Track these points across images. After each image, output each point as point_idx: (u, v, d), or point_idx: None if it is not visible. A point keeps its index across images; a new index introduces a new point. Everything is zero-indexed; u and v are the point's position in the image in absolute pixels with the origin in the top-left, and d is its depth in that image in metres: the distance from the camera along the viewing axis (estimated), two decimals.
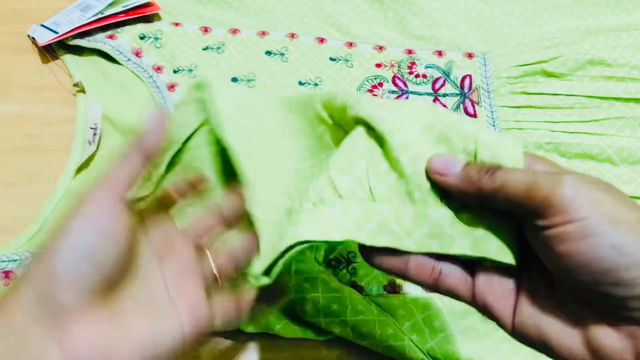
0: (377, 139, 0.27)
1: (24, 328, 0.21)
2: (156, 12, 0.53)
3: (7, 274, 0.38)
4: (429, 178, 0.26)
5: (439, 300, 0.40)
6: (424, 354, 0.37)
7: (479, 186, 0.24)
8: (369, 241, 0.26)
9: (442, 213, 0.26)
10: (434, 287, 0.26)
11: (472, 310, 0.39)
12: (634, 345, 0.21)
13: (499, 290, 0.25)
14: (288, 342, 0.39)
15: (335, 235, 0.25)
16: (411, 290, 0.42)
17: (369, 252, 0.26)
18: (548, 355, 0.24)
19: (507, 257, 0.25)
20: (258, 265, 0.26)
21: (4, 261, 0.38)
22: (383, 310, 0.39)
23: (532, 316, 0.24)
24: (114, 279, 0.25)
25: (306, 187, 0.27)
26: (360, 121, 0.28)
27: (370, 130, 0.27)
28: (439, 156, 0.26)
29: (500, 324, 0.25)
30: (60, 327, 0.22)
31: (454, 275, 0.26)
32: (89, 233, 0.23)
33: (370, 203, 0.26)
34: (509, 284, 0.25)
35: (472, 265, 0.26)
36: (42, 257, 0.23)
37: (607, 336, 0.21)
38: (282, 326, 0.39)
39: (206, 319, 0.27)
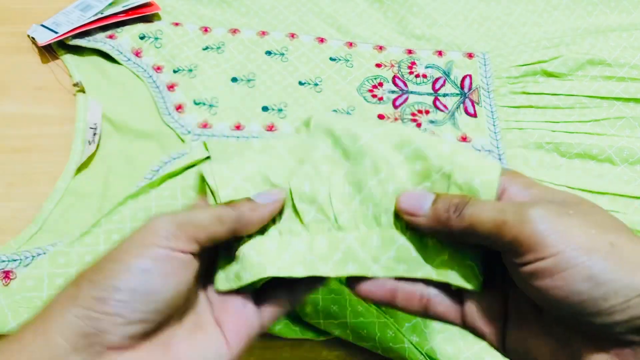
0: (344, 155, 0.28)
1: (62, 354, 0.21)
2: (156, 12, 0.53)
3: (7, 274, 0.38)
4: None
5: None
6: (424, 356, 0.37)
7: (449, 226, 0.24)
8: (334, 273, 0.26)
9: (409, 237, 0.26)
10: (423, 314, 0.27)
11: None
12: None
13: (487, 315, 0.25)
14: (288, 342, 0.39)
15: (299, 270, 0.26)
16: None
17: (354, 283, 0.27)
18: None
19: (471, 283, 0.25)
20: (222, 284, 0.27)
21: (3, 261, 0.38)
22: (383, 312, 0.39)
23: (521, 340, 0.24)
24: (166, 318, 0.24)
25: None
26: (327, 133, 0.29)
27: (337, 145, 0.28)
28: (406, 194, 0.26)
29: (493, 346, 0.25)
30: None
31: (442, 302, 0.26)
32: (154, 277, 0.23)
33: (336, 232, 0.27)
34: (496, 308, 0.25)
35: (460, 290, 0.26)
36: (96, 283, 0.22)
37: (596, 359, 0.21)
38: (282, 327, 0.39)
39: (252, 329, 0.27)
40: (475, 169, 0.25)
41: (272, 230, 0.28)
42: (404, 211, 0.26)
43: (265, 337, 0.39)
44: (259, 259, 0.26)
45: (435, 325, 0.39)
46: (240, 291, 0.27)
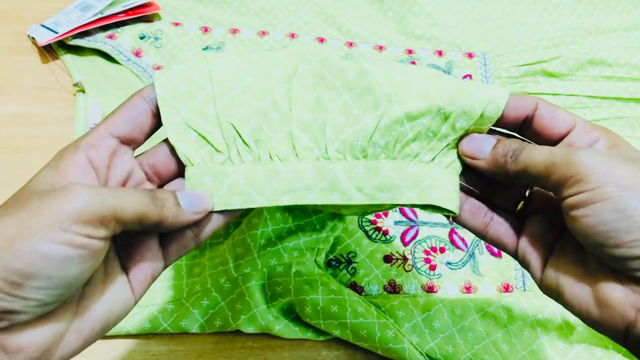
0: (346, 87, 0.28)
1: None
2: (156, 11, 0.53)
3: None
4: (391, 131, 0.27)
5: (439, 302, 0.40)
6: (424, 357, 0.37)
7: (506, 170, 0.27)
8: (318, 201, 0.27)
9: (392, 166, 0.28)
10: (482, 233, 0.29)
11: (472, 311, 0.40)
12: (635, 300, 0.23)
13: (538, 245, 0.28)
14: (288, 342, 0.39)
15: (286, 199, 0.27)
16: (411, 290, 0.42)
17: None
18: (564, 306, 0.26)
19: (451, 204, 0.28)
20: (201, 202, 0.27)
21: None
22: (383, 312, 0.39)
23: (556, 267, 0.26)
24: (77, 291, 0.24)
25: (260, 125, 0.28)
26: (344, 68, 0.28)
27: (340, 76, 0.28)
28: (469, 138, 0.28)
29: (532, 275, 0.28)
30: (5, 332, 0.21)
31: (503, 225, 0.29)
32: (73, 264, 0.22)
33: (324, 162, 0.28)
34: (548, 240, 0.27)
35: (521, 220, 0.29)
36: (8, 267, 0.21)
37: (613, 289, 0.23)
38: (282, 327, 0.39)
39: (156, 270, 0.27)
40: (479, 103, 0.27)
41: (262, 153, 0.28)
42: (465, 153, 0.28)
43: (265, 337, 0.39)
44: (248, 189, 0.27)
45: (436, 324, 0.39)
46: (145, 234, 0.27)
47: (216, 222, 0.28)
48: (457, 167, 0.29)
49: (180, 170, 0.29)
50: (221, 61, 0.28)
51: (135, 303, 0.26)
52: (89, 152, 0.25)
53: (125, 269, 0.26)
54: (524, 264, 0.28)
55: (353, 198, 0.27)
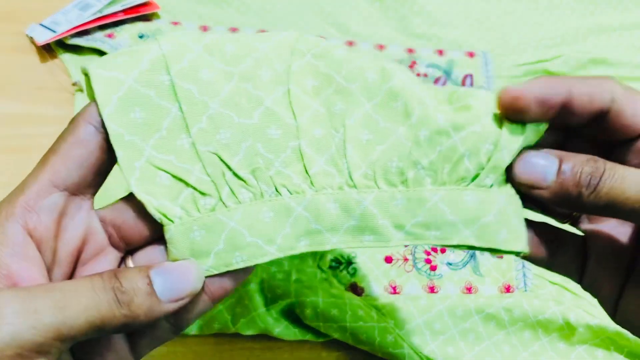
0: (365, 92, 0.22)
1: None
2: (155, 11, 0.52)
3: None
4: (435, 145, 0.21)
5: (440, 303, 0.40)
6: None
7: (581, 204, 0.20)
8: (346, 245, 0.21)
9: (442, 195, 0.21)
10: (547, 264, 0.24)
11: (473, 312, 0.40)
12: None
13: (611, 267, 0.22)
14: (288, 343, 0.39)
15: (303, 245, 0.21)
16: (412, 291, 0.42)
17: None
18: None
19: (519, 244, 0.22)
20: (191, 271, 0.21)
21: None
22: (383, 315, 0.39)
23: (637, 300, 0.22)
24: None
25: (255, 151, 0.21)
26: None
27: (354, 78, 0.22)
28: (524, 159, 0.21)
29: (602, 305, 0.23)
30: None
31: (568, 246, 0.23)
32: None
33: (349, 191, 0.22)
34: (622, 260, 0.22)
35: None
36: None
37: None
38: (282, 329, 0.38)
39: None
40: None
41: (265, 187, 0.21)
42: (522, 182, 0.21)
43: (265, 338, 0.39)
44: (253, 239, 0.21)
45: (436, 326, 0.39)
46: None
47: (207, 303, 0.21)
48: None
49: (155, 231, 0.22)
50: (184, 63, 0.21)
51: None
52: (28, 220, 0.19)
53: None
54: (593, 292, 0.23)
55: (392, 238, 0.21)
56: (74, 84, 0.48)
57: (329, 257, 0.42)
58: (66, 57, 0.50)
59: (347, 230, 0.22)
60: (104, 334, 0.18)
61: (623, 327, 0.23)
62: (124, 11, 0.51)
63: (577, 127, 0.22)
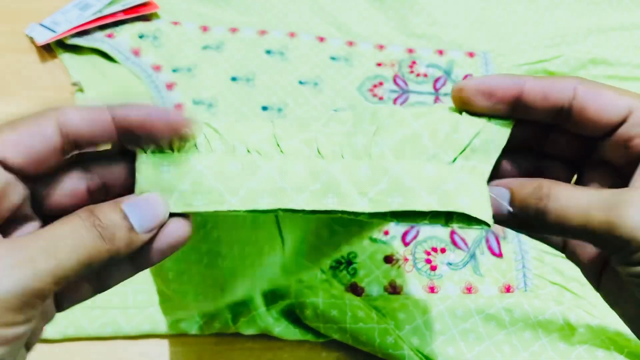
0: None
1: None
2: (155, 10, 0.52)
3: None
4: (396, 129, 0.23)
5: (440, 303, 0.40)
6: None
7: (536, 230, 0.22)
8: (309, 206, 0.22)
9: (404, 166, 0.22)
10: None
11: (473, 312, 0.40)
12: None
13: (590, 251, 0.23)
14: (288, 343, 0.39)
15: (265, 202, 0.22)
16: (412, 291, 0.41)
17: None
18: (622, 318, 0.22)
19: (483, 213, 0.22)
20: (155, 204, 0.21)
21: None
22: (383, 315, 0.39)
23: (617, 284, 0.22)
24: None
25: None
26: None
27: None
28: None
29: (585, 275, 0.23)
30: None
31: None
32: None
33: (317, 160, 0.23)
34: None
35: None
36: None
37: None
38: (282, 329, 0.38)
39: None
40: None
41: (238, 144, 0.22)
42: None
43: (265, 338, 0.39)
44: (217, 185, 0.21)
45: (436, 326, 0.39)
46: None
47: (165, 243, 0.21)
48: (484, 172, 0.23)
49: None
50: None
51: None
52: None
53: None
54: (574, 259, 0.24)
55: (355, 203, 0.22)
56: (74, 84, 0.48)
57: (329, 261, 0.42)
58: (66, 57, 0.50)
59: (312, 192, 0.22)
60: (92, 270, 0.19)
61: (605, 300, 0.23)
62: (124, 11, 0.51)
63: (552, 124, 0.22)
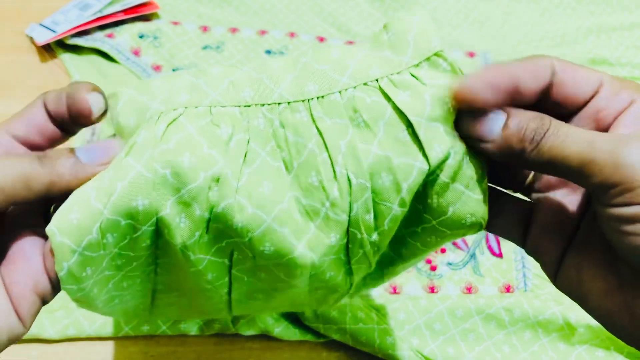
0: None
1: None
2: (155, 10, 0.52)
3: None
4: None
5: (440, 303, 0.40)
6: None
7: (524, 159, 0.21)
8: (291, 95, 0.22)
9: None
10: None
11: (473, 312, 0.40)
12: None
13: (553, 234, 0.23)
14: (288, 343, 0.39)
15: (247, 96, 0.22)
16: (412, 291, 0.41)
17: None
18: (585, 310, 0.22)
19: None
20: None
21: None
22: (383, 315, 0.39)
23: (578, 268, 0.22)
24: None
25: None
26: None
27: None
28: (472, 114, 0.21)
29: (545, 270, 0.23)
30: None
31: (508, 209, 0.24)
32: None
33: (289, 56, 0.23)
34: (565, 227, 0.23)
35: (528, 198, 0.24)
36: None
37: None
38: (281, 329, 0.38)
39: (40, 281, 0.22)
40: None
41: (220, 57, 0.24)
42: (469, 134, 0.22)
43: (265, 338, 0.39)
44: (142, 97, 0.22)
45: (436, 326, 0.39)
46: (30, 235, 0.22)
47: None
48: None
49: None
50: None
51: (25, 331, 0.21)
52: None
53: (6, 287, 0.21)
54: (535, 256, 0.24)
55: (336, 84, 0.22)
56: None
57: None
58: (66, 57, 0.50)
59: (291, 81, 0.22)
60: (36, 195, 0.21)
61: (562, 291, 0.23)
62: (124, 11, 0.51)
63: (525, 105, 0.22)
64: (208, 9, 0.55)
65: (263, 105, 0.22)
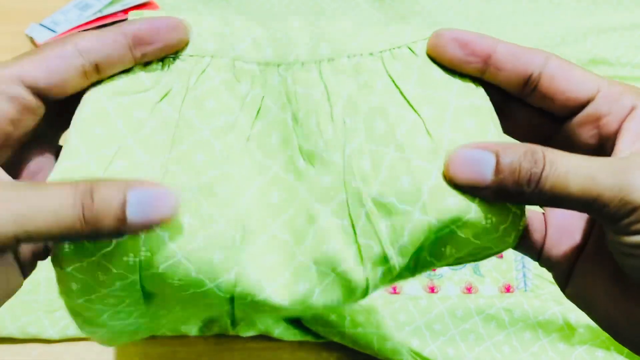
0: None
1: None
2: (155, 10, 0.52)
3: None
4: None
5: (440, 303, 0.40)
6: None
7: (525, 200, 0.20)
8: (309, 55, 0.24)
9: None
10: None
11: (473, 313, 0.40)
12: None
13: (565, 245, 0.22)
14: (288, 343, 0.39)
15: (269, 54, 0.25)
16: (412, 291, 0.41)
17: None
18: (592, 319, 0.22)
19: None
20: None
21: None
22: (383, 317, 0.39)
23: (583, 279, 0.22)
24: None
25: None
26: None
27: None
28: (460, 159, 0.20)
29: (556, 281, 0.23)
30: None
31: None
32: None
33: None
34: (575, 239, 0.22)
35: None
36: None
37: None
38: (281, 330, 0.38)
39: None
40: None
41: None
42: (462, 183, 0.20)
43: (265, 338, 0.39)
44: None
45: (436, 327, 0.39)
46: None
47: None
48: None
49: None
50: None
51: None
52: None
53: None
54: (549, 268, 0.23)
55: (348, 43, 0.24)
56: None
57: None
58: None
59: (307, 42, 0.24)
60: (62, 241, 0.19)
61: (572, 301, 0.23)
62: (124, 11, 0.51)
63: (518, 94, 0.22)
64: (208, 8, 0.55)
65: (280, 65, 0.24)
